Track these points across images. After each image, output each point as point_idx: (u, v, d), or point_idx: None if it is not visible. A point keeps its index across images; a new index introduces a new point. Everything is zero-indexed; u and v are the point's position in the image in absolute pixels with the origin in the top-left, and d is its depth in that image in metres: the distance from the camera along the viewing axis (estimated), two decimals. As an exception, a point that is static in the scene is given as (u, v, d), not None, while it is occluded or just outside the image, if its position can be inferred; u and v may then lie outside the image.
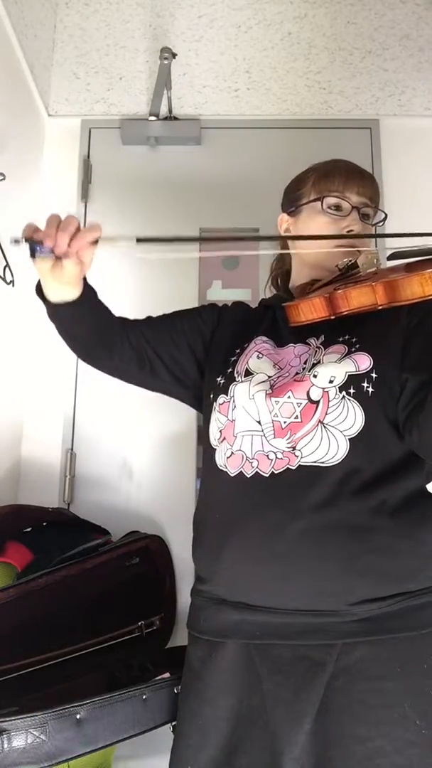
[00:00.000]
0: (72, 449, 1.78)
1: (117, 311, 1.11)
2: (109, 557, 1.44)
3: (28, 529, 1.54)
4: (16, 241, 0.91)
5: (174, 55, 1.77)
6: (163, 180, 1.92)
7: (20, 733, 0.97)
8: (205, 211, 1.90)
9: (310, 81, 1.99)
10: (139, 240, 0.92)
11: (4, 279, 1.58)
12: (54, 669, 1.29)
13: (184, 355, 1.14)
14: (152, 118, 1.88)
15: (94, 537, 1.49)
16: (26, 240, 0.91)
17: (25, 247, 0.91)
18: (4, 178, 1.51)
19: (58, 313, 1.03)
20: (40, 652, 1.29)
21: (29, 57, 1.76)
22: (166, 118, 1.92)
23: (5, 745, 0.96)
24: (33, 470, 1.76)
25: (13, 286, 1.62)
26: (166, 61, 1.75)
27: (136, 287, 1.83)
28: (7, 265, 1.59)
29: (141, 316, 1.17)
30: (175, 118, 1.93)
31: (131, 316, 1.16)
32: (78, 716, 1.02)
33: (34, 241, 0.90)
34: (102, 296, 1.07)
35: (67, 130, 1.95)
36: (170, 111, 1.92)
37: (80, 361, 1.17)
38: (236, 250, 1.07)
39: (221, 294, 1.86)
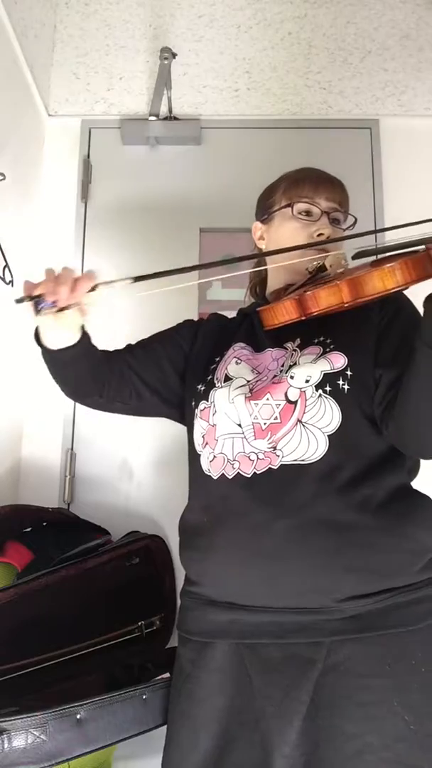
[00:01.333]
0: (72, 449, 1.78)
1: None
2: (110, 557, 1.44)
3: (28, 529, 1.54)
4: (20, 301, 0.95)
5: (174, 55, 1.78)
6: (163, 180, 1.92)
7: (20, 733, 0.97)
8: (205, 211, 1.90)
9: (310, 81, 1.98)
10: (136, 279, 0.95)
11: (3, 279, 1.58)
12: (54, 669, 1.29)
13: (170, 377, 1.16)
14: (152, 118, 1.88)
15: (94, 537, 1.50)
16: (29, 298, 0.94)
17: (27, 305, 0.95)
18: (4, 178, 1.51)
19: (56, 357, 1.06)
20: (40, 652, 1.29)
21: (29, 57, 1.76)
22: (166, 118, 1.92)
23: (5, 745, 0.96)
24: (33, 470, 1.76)
25: (12, 286, 1.62)
26: (166, 61, 1.75)
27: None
28: (7, 265, 1.59)
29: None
30: (175, 118, 1.93)
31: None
32: (78, 716, 1.02)
33: (36, 298, 0.94)
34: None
35: (67, 130, 1.95)
36: (170, 111, 1.92)
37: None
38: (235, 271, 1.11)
39: (221, 294, 1.86)
